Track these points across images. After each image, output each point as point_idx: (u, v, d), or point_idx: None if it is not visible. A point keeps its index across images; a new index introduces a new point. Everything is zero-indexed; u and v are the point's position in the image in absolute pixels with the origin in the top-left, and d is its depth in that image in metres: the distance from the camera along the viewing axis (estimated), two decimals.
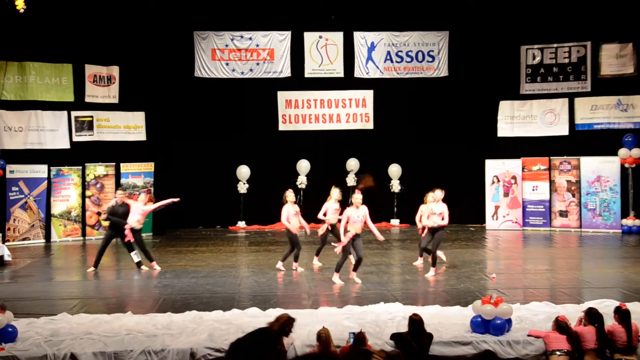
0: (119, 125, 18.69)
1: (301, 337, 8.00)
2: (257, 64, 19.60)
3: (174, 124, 19.32)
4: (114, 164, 18.33)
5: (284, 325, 7.29)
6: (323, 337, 7.35)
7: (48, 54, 17.71)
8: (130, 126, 18.83)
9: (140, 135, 18.96)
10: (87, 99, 18.28)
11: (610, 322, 7.93)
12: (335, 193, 12.88)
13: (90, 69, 18.28)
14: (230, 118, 19.75)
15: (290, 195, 12.78)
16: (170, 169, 19.10)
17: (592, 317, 7.73)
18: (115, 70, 18.59)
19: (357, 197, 11.64)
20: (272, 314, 9.18)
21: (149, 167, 18.69)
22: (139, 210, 13.19)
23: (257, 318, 8.99)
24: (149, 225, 18.45)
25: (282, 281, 11.89)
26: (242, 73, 19.58)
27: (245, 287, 11.57)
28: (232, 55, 19.51)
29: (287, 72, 19.68)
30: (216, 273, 12.70)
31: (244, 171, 19.78)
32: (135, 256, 13.18)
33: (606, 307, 9.09)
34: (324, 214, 12.74)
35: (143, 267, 13.15)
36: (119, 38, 18.28)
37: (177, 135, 19.35)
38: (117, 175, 18.34)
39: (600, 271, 12.65)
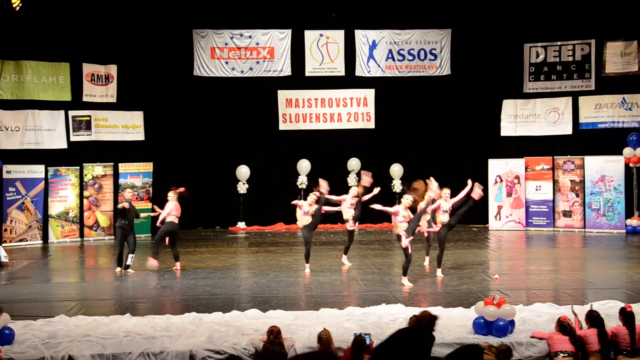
0: (117, 125, 18.70)
1: (302, 338, 8.00)
2: (257, 62, 19.61)
3: (173, 123, 19.31)
4: (112, 164, 18.34)
5: (427, 324, 7.09)
6: (324, 338, 7.36)
7: (45, 53, 17.73)
8: (128, 126, 18.84)
9: (139, 135, 18.96)
10: (85, 98, 18.30)
11: (614, 323, 7.93)
12: (353, 190, 13.65)
13: (87, 68, 18.29)
14: (230, 117, 19.75)
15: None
16: (169, 169, 19.08)
17: (593, 320, 7.73)
18: (113, 69, 18.61)
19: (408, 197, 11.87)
20: (273, 315, 9.22)
21: (148, 167, 18.70)
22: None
23: (257, 320, 9.00)
24: (147, 226, 18.47)
25: (283, 282, 11.89)
26: (242, 72, 19.59)
27: (245, 288, 11.57)
28: (231, 53, 19.51)
29: (287, 71, 19.68)
30: (215, 274, 12.70)
31: (243, 171, 19.79)
32: (131, 259, 13.15)
33: (610, 308, 9.11)
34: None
35: (130, 270, 13.11)
36: (116, 36, 18.30)
37: (176, 135, 19.35)
38: (116, 175, 18.35)
39: (604, 272, 12.66)
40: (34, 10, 17.22)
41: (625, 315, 7.78)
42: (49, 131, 17.89)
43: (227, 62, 19.53)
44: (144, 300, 10.71)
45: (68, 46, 17.88)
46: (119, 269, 13.16)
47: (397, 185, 19.90)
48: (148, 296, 10.97)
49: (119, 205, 13.36)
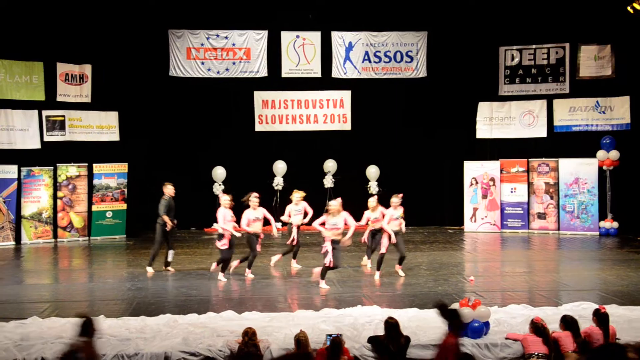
0: (91, 125, 18.54)
1: (277, 340, 8.00)
2: (233, 63, 19.56)
3: (148, 124, 19.18)
4: (87, 164, 18.17)
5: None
6: (302, 340, 7.34)
7: (18, 52, 17.52)
8: (103, 126, 18.69)
9: (114, 136, 18.82)
10: (59, 98, 18.12)
11: (588, 324, 8.02)
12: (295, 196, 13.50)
13: (62, 67, 18.12)
14: (206, 118, 19.68)
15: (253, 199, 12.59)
16: (144, 170, 18.97)
17: (567, 324, 7.81)
18: (87, 69, 18.45)
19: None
20: (248, 317, 9.21)
21: (123, 167, 18.56)
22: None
23: (232, 321, 8.99)
24: (122, 227, 18.34)
25: (258, 284, 11.87)
26: (218, 72, 19.52)
27: (220, 290, 11.54)
28: (207, 54, 19.44)
29: (263, 72, 19.65)
30: (191, 276, 12.66)
31: (219, 172, 19.72)
32: (171, 255, 13.20)
33: (584, 309, 9.22)
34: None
35: (170, 268, 13.07)
36: (91, 36, 18.14)
37: (151, 136, 19.22)
38: (90, 176, 18.19)
39: (578, 273, 12.79)
40: (7, 9, 17.03)
41: (600, 317, 7.87)
42: (22, 131, 17.69)
43: (203, 63, 19.45)
44: (118, 301, 10.63)
45: (42, 45, 17.69)
46: (151, 269, 12.99)
47: (373, 187, 19.95)
48: (122, 298, 10.90)
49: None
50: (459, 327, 6.89)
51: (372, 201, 13.05)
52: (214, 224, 12.56)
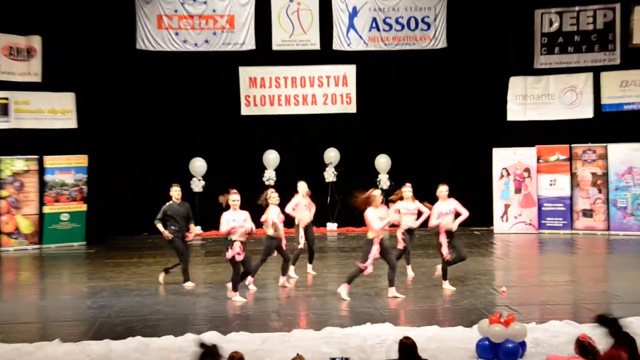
0: (42, 110, 18.52)
1: None
2: (214, 33, 19.51)
3: (112, 107, 19.16)
4: (37, 157, 18.14)
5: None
6: None
7: None
8: (56, 110, 18.65)
9: (70, 122, 18.79)
10: (1, 77, 18.13)
11: None
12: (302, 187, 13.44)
13: (4, 39, 18.09)
14: (182, 100, 19.66)
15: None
16: (108, 162, 18.94)
17: (622, 339, 7.76)
18: (36, 41, 18.40)
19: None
20: (235, 338, 9.18)
21: (82, 160, 18.53)
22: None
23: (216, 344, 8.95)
24: (80, 233, 18.32)
25: (248, 299, 11.85)
26: (196, 45, 19.47)
27: (201, 306, 11.52)
28: (182, 22, 19.39)
29: (250, 44, 19.60)
30: (166, 290, 12.65)
31: (198, 165, 19.69)
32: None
33: None
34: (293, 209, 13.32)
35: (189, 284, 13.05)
36: (41, 1, 18.08)
37: (116, 122, 19.20)
38: (41, 171, 18.16)
39: (632, 283, 12.75)
40: None
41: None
42: None
43: (177, 34, 19.40)
44: (76, 322, 10.59)
45: None
46: (190, 283, 13.03)
47: (383, 181, 19.91)
48: (82, 318, 10.86)
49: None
50: (625, 337, 6.97)
51: (408, 191, 13.00)
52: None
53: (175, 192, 13.29)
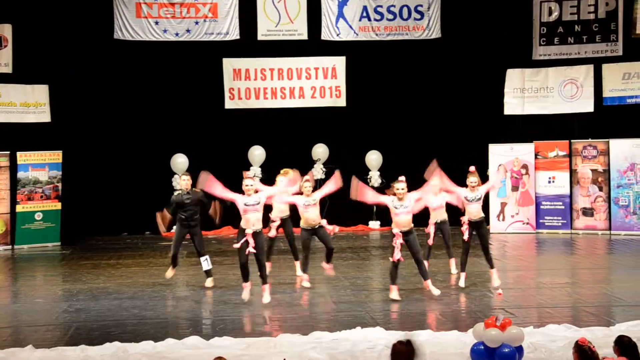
0: (13, 103, 18.45)
1: None
2: (196, 22, 19.49)
3: (88, 101, 19.13)
4: (8, 153, 18.08)
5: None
6: None
7: None
8: (29, 104, 18.59)
9: (43, 116, 18.73)
10: None
11: None
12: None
13: None
14: (162, 93, 19.63)
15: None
16: (84, 159, 18.89)
17: (623, 347, 7.79)
18: (6, 30, 18.32)
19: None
20: (218, 343, 9.18)
21: (56, 156, 18.47)
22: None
23: (198, 350, 8.96)
24: (55, 233, 18.26)
25: (232, 302, 11.85)
26: (177, 34, 19.45)
27: (183, 310, 11.52)
28: (162, 11, 19.36)
29: (234, 34, 19.59)
30: (145, 293, 12.62)
31: (180, 161, 19.66)
32: (206, 262, 13.01)
33: None
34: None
35: (209, 282, 12.98)
36: None
37: (92, 116, 19.18)
38: (13, 167, 18.10)
39: (635, 285, 12.81)
40: None
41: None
42: None
43: (157, 22, 19.37)
44: (50, 327, 10.56)
45: None
46: (169, 272, 13.10)
47: (374, 178, 19.94)
48: (56, 322, 10.84)
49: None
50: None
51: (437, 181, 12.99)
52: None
53: (183, 182, 13.19)
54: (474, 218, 12.59)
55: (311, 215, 12.50)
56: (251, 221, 11.47)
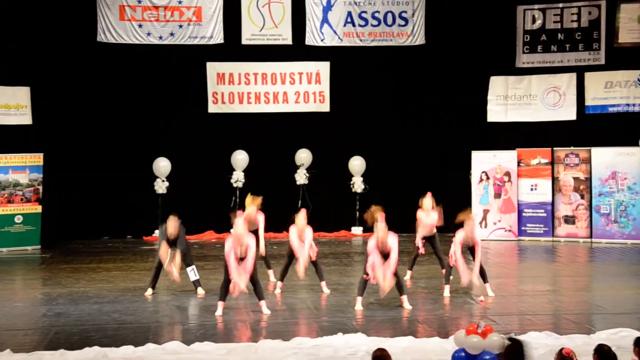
0: None
1: None
2: (180, 26, 19.46)
3: (70, 103, 19.06)
4: None
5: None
6: None
7: None
8: (10, 105, 18.50)
9: (25, 118, 18.65)
10: None
11: (628, 357, 8.06)
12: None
13: None
14: (145, 97, 19.56)
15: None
16: (66, 162, 18.81)
17: (604, 356, 7.80)
18: None
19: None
20: (199, 349, 9.16)
21: (37, 159, 18.39)
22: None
23: (179, 355, 8.95)
24: (35, 236, 18.16)
25: (213, 307, 11.80)
26: (161, 38, 19.41)
27: (164, 314, 11.49)
28: (146, 14, 19.31)
29: (219, 38, 19.57)
30: (126, 297, 12.57)
31: (162, 165, 19.60)
32: (192, 273, 12.95)
33: (623, 338, 9.28)
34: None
35: (200, 291, 12.89)
36: None
37: (74, 119, 19.10)
38: None
39: (616, 293, 12.87)
40: None
41: None
42: None
43: (140, 25, 19.32)
44: (29, 331, 10.51)
45: None
46: (150, 291, 12.89)
47: (357, 184, 19.95)
48: (35, 327, 10.78)
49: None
50: None
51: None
52: None
53: (169, 228, 12.80)
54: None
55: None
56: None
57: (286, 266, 12.94)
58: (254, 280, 11.37)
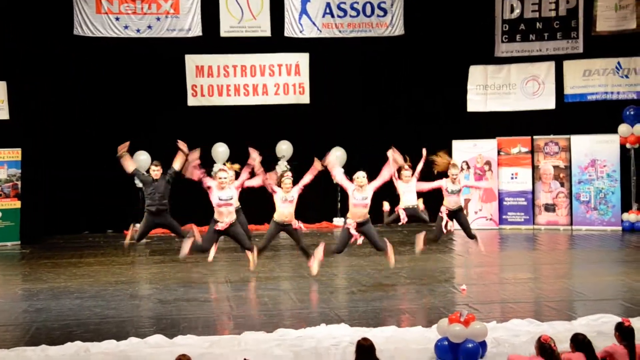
0: None
1: None
2: (158, 19, 19.37)
3: (48, 97, 18.95)
4: None
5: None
6: None
7: None
8: None
9: (2, 113, 18.53)
10: None
11: (609, 341, 8.12)
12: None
13: None
14: (124, 90, 19.51)
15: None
16: (44, 156, 18.71)
17: (579, 344, 7.87)
18: None
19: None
20: (182, 342, 9.13)
21: (14, 154, 18.28)
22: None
23: (161, 349, 8.91)
24: (14, 231, 18.06)
25: (195, 300, 11.82)
26: (138, 31, 19.31)
27: (146, 309, 11.47)
28: (123, 7, 19.20)
29: (197, 30, 19.49)
30: (107, 292, 12.53)
31: (142, 159, 19.52)
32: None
33: (604, 324, 9.34)
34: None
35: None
36: None
37: (51, 113, 19.03)
38: None
39: (596, 279, 12.97)
40: None
41: (623, 332, 7.95)
42: None
43: (117, 19, 19.22)
44: (10, 327, 10.45)
45: None
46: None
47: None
48: (16, 322, 10.72)
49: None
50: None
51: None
52: None
53: (153, 172, 13.28)
54: (453, 208, 13.46)
55: (285, 211, 12.51)
56: (224, 214, 11.99)
57: (263, 246, 12.94)
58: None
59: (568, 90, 19.61)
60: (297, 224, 12.73)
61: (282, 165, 19.95)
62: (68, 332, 9.92)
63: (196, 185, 12.82)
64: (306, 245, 13.10)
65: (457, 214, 13.67)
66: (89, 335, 9.66)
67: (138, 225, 13.41)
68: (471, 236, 13.79)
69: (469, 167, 19.41)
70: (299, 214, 18.67)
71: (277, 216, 12.60)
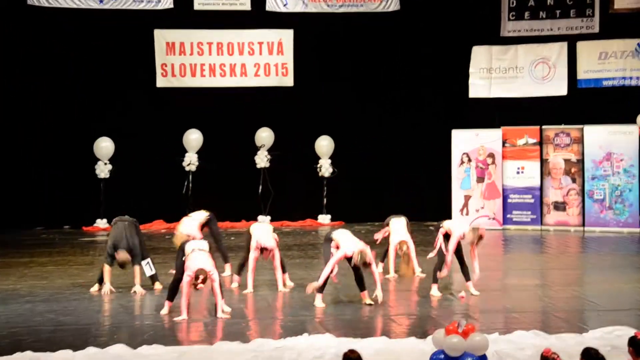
0: None
1: None
2: None
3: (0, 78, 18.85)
4: None
5: None
6: None
7: None
8: None
9: None
10: None
11: (623, 357, 8.15)
12: None
13: None
14: (85, 69, 19.43)
15: None
16: None
17: (591, 359, 7.89)
18: None
19: None
20: (147, 352, 9.12)
21: None
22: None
23: (123, 359, 8.88)
24: None
25: (163, 305, 11.77)
26: (101, 2, 19.23)
27: (106, 315, 11.45)
28: None
29: (167, 3, 19.43)
30: (63, 295, 12.49)
31: (104, 146, 19.47)
32: (148, 267, 12.95)
33: (618, 337, 9.36)
34: None
35: (157, 286, 12.94)
36: None
37: (2, 95, 18.89)
38: None
39: (610, 287, 12.98)
40: None
41: (637, 346, 7.98)
42: None
43: None
44: None
45: None
46: (96, 287, 12.83)
47: (325, 167, 19.95)
48: None
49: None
50: None
51: None
52: None
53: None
54: None
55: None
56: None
57: (245, 259, 12.90)
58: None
59: (582, 74, 19.63)
60: None
61: (261, 156, 19.92)
62: (17, 340, 9.86)
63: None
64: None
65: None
66: (41, 344, 9.61)
67: None
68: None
69: (470, 160, 19.42)
70: (284, 211, 18.78)
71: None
